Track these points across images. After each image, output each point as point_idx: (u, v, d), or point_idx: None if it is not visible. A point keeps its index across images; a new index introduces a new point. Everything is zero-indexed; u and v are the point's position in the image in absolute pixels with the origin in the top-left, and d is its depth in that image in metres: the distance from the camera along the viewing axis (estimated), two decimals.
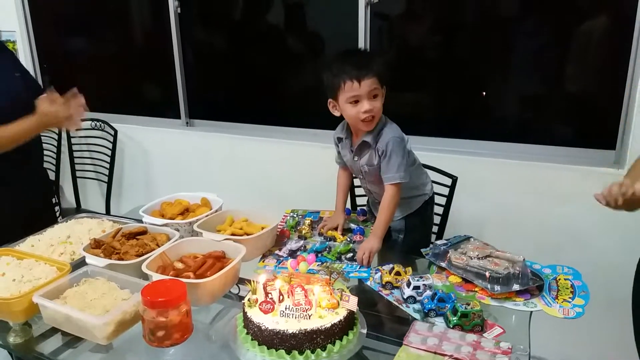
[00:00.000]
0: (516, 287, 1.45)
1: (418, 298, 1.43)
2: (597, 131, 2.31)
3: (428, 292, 1.42)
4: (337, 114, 1.78)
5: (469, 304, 1.32)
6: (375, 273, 1.59)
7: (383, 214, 1.75)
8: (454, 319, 1.30)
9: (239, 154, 2.96)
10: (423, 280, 1.45)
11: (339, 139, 1.90)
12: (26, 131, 1.80)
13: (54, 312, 1.30)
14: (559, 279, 1.56)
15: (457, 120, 2.57)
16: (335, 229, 1.89)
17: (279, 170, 2.86)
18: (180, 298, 1.24)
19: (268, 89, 3.02)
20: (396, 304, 1.45)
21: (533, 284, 1.48)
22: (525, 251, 1.59)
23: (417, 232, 1.94)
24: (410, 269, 1.57)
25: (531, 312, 1.40)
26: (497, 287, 1.45)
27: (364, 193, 2.09)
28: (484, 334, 1.25)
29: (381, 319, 1.44)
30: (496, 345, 1.18)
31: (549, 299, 1.45)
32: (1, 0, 3.40)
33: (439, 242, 1.72)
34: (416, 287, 1.44)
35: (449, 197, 2.12)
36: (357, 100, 1.69)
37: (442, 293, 1.41)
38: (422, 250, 1.72)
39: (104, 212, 3.10)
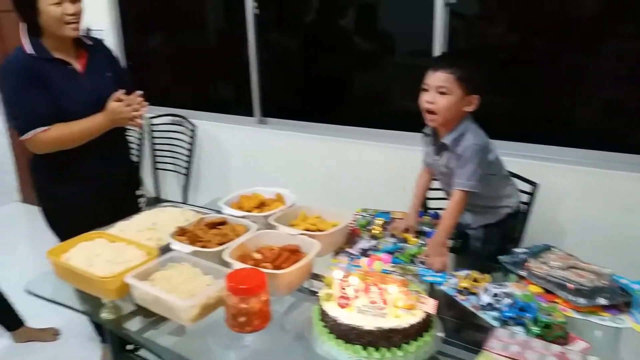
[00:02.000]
0: (603, 301, 1.38)
1: (496, 305, 1.39)
2: None
3: (507, 300, 1.38)
4: None
5: (551, 315, 1.28)
6: (451, 278, 1.57)
7: (446, 221, 1.70)
8: (535, 329, 1.26)
9: (310, 152, 3.01)
10: (502, 288, 1.42)
11: (425, 134, 1.88)
12: (96, 126, 1.90)
13: (144, 292, 1.37)
14: None
15: (538, 125, 2.49)
16: (408, 230, 1.88)
17: (350, 170, 2.88)
18: (260, 286, 1.28)
19: (341, 89, 3.05)
20: (473, 310, 1.42)
21: (621, 299, 1.41)
22: (609, 265, 1.52)
23: (495, 244, 1.87)
24: (488, 276, 1.53)
25: (620, 328, 1.33)
26: (582, 300, 1.39)
27: (438, 196, 2.06)
28: (567, 346, 1.21)
29: (457, 325, 1.41)
30: (584, 358, 1.13)
31: (639, 315, 1.38)
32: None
33: (518, 250, 1.66)
34: (495, 295, 1.40)
35: (529, 204, 2.05)
36: (426, 89, 1.69)
37: (523, 302, 1.36)
38: (500, 257, 1.67)
39: (182, 203, 3.25)
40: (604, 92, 2.34)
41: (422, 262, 1.67)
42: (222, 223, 1.73)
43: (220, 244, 1.56)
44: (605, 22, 2.28)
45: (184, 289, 1.36)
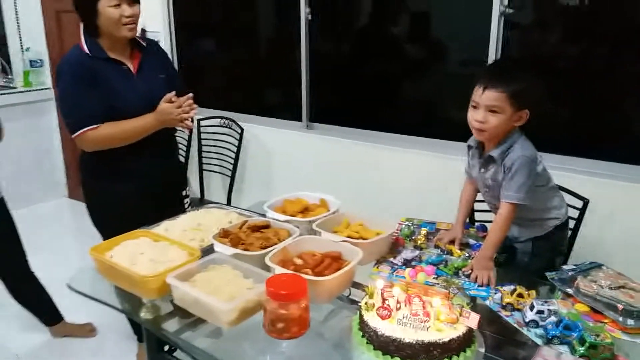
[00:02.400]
0: None
1: (541, 323, 1.35)
2: None
3: (552, 318, 1.34)
4: None
5: (598, 335, 1.23)
6: (495, 293, 1.53)
7: (494, 234, 1.67)
8: (581, 349, 1.22)
9: (356, 159, 3.00)
10: (548, 305, 1.37)
11: (469, 147, 1.84)
12: (146, 126, 1.95)
13: (185, 293, 1.39)
14: None
15: (592, 139, 2.40)
16: (453, 242, 1.84)
17: (395, 178, 2.86)
18: (301, 293, 1.28)
19: (389, 97, 3.03)
20: (516, 326, 1.38)
21: None
22: None
23: (544, 258, 1.82)
24: (533, 292, 1.49)
25: None
26: (631, 321, 1.34)
27: (485, 208, 2.02)
28: None
29: (499, 341, 1.37)
30: None
31: None
32: (149, 1, 3.72)
33: (566, 267, 1.61)
34: (540, 312, 1.36)
35: (578, 221, 1.98)
36: (475, 106, 1.65)
37: (569, 320, 1.32)
38: (547, 273, 1.62)
39: (226, 204, 3.31)
40: None
41: (467, 276, 1.64)
42: (266, 226, 1.75)
43: (263, 248, 1.57)
44: None
45: (224, 291, 1.37)
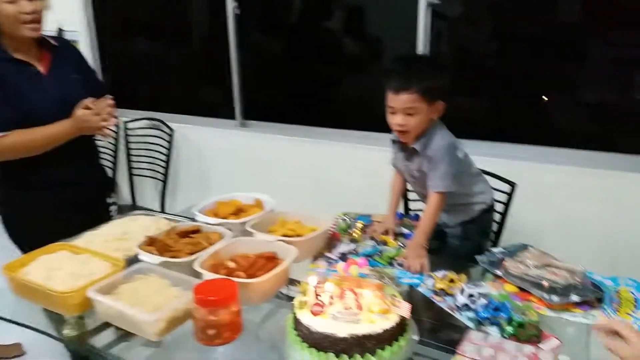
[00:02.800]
0: (575, 298, 1.38)
1: (472, 306, 1.38)
2: None
3: (482, 301, 1.37)
4: None
5: (525, 314, 1.27)
6: (428, 279, 1.55)
7: (424, 223, 1.71)
8: (509, 328, 1.25)
9: (293, 155, 2.98)
10: (478, 288, 1.41)
11: (393, 142, 1.87)
12: (60, 134, 1.82)
13: (107, 307, 1.32)
14: (621, 291, 1.47)
15: (518, 126, 2.49)
16: (386, 233, 1.86)
17: (332, 173, 2.86)
18: (231, 297, 1.24)
19: (323, 91, 3.02)
20: (449, 311, 1.41)
21: (593, 296, 1.40)
22: (585, 262, 1.51)
23: (473, 241, 1.87)
24: (464, 276, 1.52)
25: (591, 324, 1.32)
26: (555, 298, 1.39)
27: (418, 197, 2.04)
28: (539, 345, 1.19)
29: (432, 326, 1.39)
30: (555, 358, 1.12)
31: (610, 311, 1.37)
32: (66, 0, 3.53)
33: (495, 249, 1.66)
34: (470, 295, 1.39)
35: (507, 204, 2.04)
36: (393, 112, 1.66)
37: (498, 302, 1.35)
38: (477, 257, 1.66)
39: (159, 210, 3.20)
40: (584, 95, 2.37)
41: (401, 265, 1.65)
42: (195, 231, 1.69)
43: (192, 254, 1.51)
44: (587, 27, 2.31)
45: (150, 302, 1.31)
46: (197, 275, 1.42)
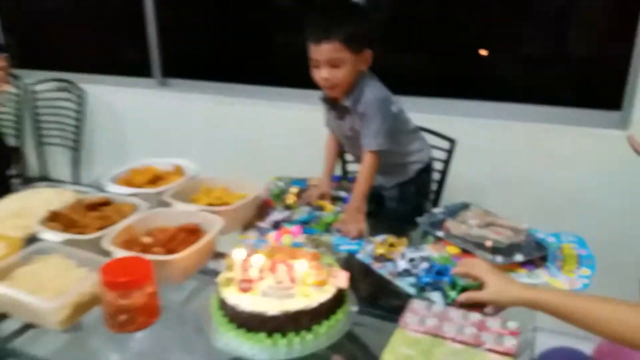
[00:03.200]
0: (519, 258, 1.32)
1: (413, 271, 1.29)
2: (602, 91, 2.18)
3: (424, 265, 1.30)
4: None
5: (469, 277, 1.19)
6: (367, 245, 1.44)
7: (360, 185, 1.61)
8: (452, 293, 1.18)
9: (219, 116, 2.76)
10: (419, 252, 1.33)
11: (323, 100, 1.74)
12: None
13: (0, 295, 1.13)
14: (564, 248, 1.44)
15: (456, 80, 2.42)
16: (323, 197, 1.74)
17: (264, 134, 2.68)
18: (144, 278, 1.10)
19: (253, 45, 2.81)
20: (389, 277, 1.31)
21: (537, 254, 1.35)
22: (526, 217, 1.47)
23: (412, 201, 1.81)
24: (405, 239, 1.43)
25: (536, 284, 1.27)
26: (499, 258, 1.32)
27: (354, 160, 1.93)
28: (485, 310, 1.12)
29: (373, 294, 1.31)
30: (503, 325, 1.05)
31: (554, 269, 1.33)
32: None
33: (435, 210, 1.57)
34: (411, 259, 1.31)
35: (447, 162, 1.97)
36: (317, 65, 1.54)
37: (440, 265, 1.28)
38: (417, 219, 1.57)
39: (73, 182, 2.92)
40: (522, 48, 2.33)
41: (339, 231, 1.55)
42: (106, 203, 1.51)
43: (101, 229, 1.34)
44: None
45: (52, 286, 1.14)
46: (107, 254, 1.25)
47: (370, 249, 1.42)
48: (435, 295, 1.22)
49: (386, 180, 1.80)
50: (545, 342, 1.11)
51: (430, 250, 1.39)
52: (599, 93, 2.19)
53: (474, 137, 2.18)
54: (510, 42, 2.34)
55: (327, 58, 1.51)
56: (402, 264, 1.31)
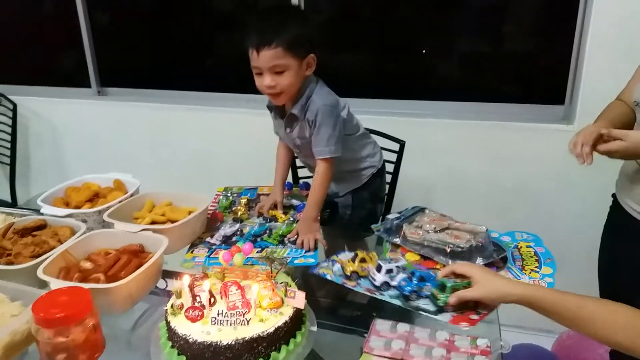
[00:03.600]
0: (480, 261, 1.30)
1: (392, 283, 1.23)
2: (545, 87, 2.22)
3: (402, 275, 1.24)
4: None
5: (456, 278, 1.15)
6: (332, 265, 1.36)
7: (314, 194, 1.56)
8: (443, 296, 1.13)
9: (162, 125, 2.66)
10: (395, 262, 1.27)
11: (270, 108, 1.67)
12: None
13: None
14: (520, 247, 1.44)
15: (400, 81, 2.41)
16: (275, 207, 1.68)
17: (210, 143, 2.59)
18: (83, 311, 0.99)
19: (194, 50, 2.72)
20: (369, 294, 1.23)
21: (497, 256, 1.34)
22: (478, 215, 1.47)
23: (366, 207, 1.77)
24: (374, 253, 1.35)
25: None
26: (460, 262, 1.28)
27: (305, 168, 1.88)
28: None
29: (333, 306, 1.28)
30: (472, 343, 1.01)
31: (516, 270, 1.32)
32: None
33: (390, 215, 1.53)
34: (389, 271, 1.24)
35: (397, 164, 1.94)
36: (259, 72, 1.47)
37: (422, 271, 1.23)
38: (372, 226, 1.53)
39: (9, 201, 2.74)
40: (465, 46, 2.34)
41: (293, 242, 1.49)
42: (41, 227, 1.39)
43: (36, 257, 1.24)
44: None
45: None
46: (43, 284, 1.14)
47: (338, 269, 1.33)
48: (424, 303, 1.17)
49: (339, 188, 1.75)
50: (505, 337, 1.10)
51: (403, 259, 1.33)
52: (541, 88, 2.23)
53: (422, 138, 2.18)
54: (453, 40, 2.35)
55: (270, 65, 1.44)
56: (380, 277, 1.24)
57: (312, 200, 1.55)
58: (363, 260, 1.31)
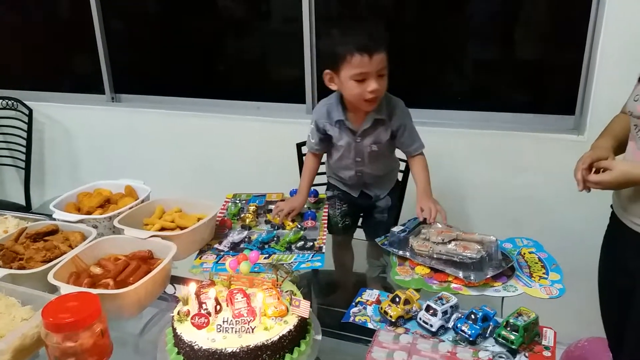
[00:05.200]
0: (490, 272, 1.29)
1: (448, 325, 1.12)
2: (556, 96, 2.20)
3: (456, 314, 1.14)
4: (333, 87, 1.55)
5: (520, 315, 1.08)
6: (365, 309, 1.24)
7: (424, 175, 1.64)
8: (516, 337, 1.04)
9: (174, 132, 2.68)
10: (447, 302, 1.14)
11: (338, 122, 1.62)
12: None
13: None
14: (524, 254, 1.44)
15: (409, 89, 2.39)
16: (291, 212, 1.67)
17: (219, 150, 2.61)
18: (92, 316, 1.01)
19: (206, 59, 2.74)
20: (429, 342, 1.09)
21: (506, 265, 1.33)
22: (485, 225, 1.45)
23: (396, 210, 1.87)
24: (412, 291, 1.24)
25: (504, 296, 1.26)
26: (472, 275, 1.28)
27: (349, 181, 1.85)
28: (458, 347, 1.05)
29: (338, 314, 1.25)
30: (475, 355, 1.01)
31: (525, 278, 1.32)
32: None
33: (395, 228, 1.49)
34: (444, 313, 1.13)
35: (405, 173, 1.94)
36: (364, 78, 1.45)
37: (484, 311, 1.10)
38: (376, 240, 1.53)
39: (24, 204, 2.78)
40: (475, 55, 2.33)
41: (301, 248, 1.49)
42: (53, 232, 1.41)
43: (47, 261, 1.26)
44: None
45: None
46: (53, 288, 1.17)
47: (375, 313, 1.21)
48: (492, 347, 1.06)
49: (380, 191, 1.78)
50: None
51: (454, 297, 1.17)
52: (552, 98, 2.21)
53: (431, 146, 2.16)
54: (463, 49, 2.33)
55: (379, 68, 1.45)
56: (437, 322, 1.11)
57: (424, 180, 1.63)
58: (407, 302, 1.18)
